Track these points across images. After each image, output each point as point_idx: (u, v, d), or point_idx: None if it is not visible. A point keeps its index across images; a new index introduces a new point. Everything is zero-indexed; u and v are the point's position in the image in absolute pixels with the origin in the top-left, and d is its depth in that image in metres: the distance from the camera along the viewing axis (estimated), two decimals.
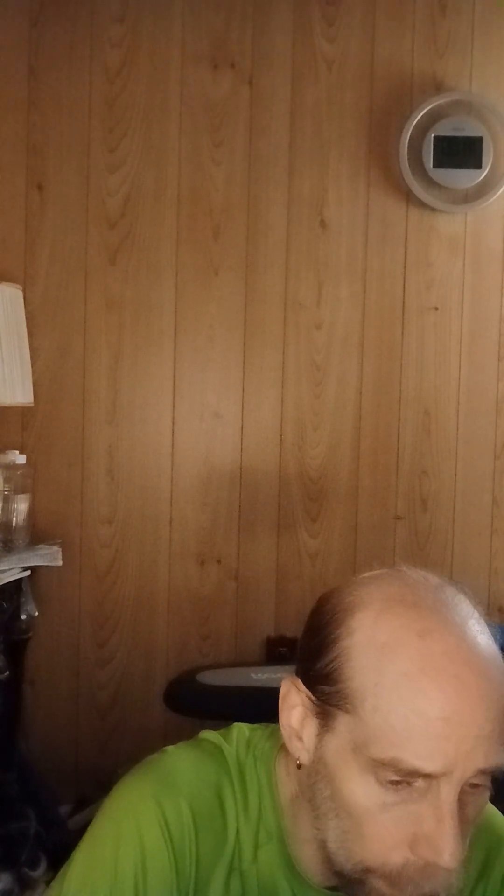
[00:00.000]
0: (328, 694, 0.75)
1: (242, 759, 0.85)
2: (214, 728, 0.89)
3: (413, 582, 0.77)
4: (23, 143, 2.24)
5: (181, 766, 0.83)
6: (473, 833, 0.84)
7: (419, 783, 0.70)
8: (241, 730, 0.88)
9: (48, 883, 1.83)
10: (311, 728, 0.77)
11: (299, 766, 0.79)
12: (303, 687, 0.78)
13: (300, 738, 0.78)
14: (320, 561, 2.30)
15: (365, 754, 0.71)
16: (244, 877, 0.81)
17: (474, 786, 0.72)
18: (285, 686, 0.80)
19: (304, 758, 0.78)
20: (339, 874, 0.75)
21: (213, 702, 2.09)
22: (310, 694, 0.77)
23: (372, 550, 2.27)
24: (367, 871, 0.72)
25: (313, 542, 2.31)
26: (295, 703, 0.79)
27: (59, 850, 1.90)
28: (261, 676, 2.08)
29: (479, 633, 0.73)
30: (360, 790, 0.72)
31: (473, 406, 2.31)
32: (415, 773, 0.69)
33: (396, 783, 0.70)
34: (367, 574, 0.79)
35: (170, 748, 0.86)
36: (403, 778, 0.70)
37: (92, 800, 2.13)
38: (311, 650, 0.78)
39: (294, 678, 0.80)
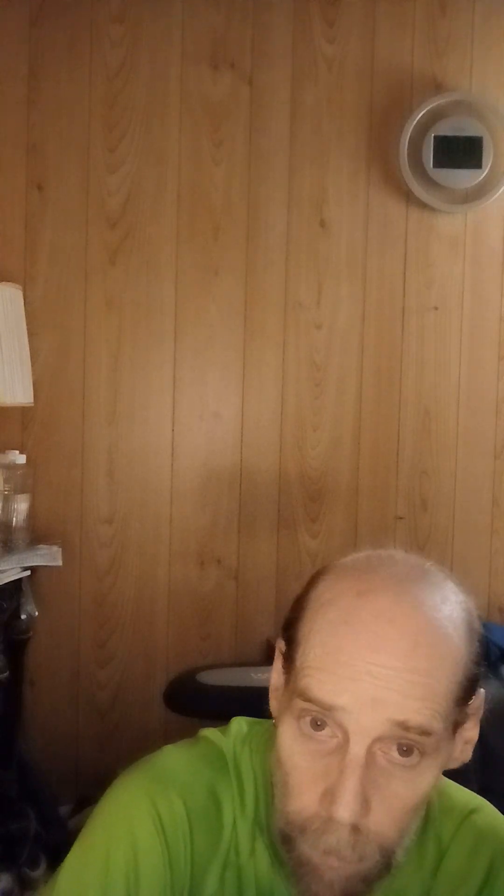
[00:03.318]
0: (287, 648, 0.79)
1: (239, 752, 0.85)
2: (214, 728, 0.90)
3: (386, 556, 0.80)
4: (23, 142, 2.24)
5: (175, 762, 0.83)
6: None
7: (338, 738, 0.71)
8: (239, 724, 0.89)
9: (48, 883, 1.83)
10: (282, 686, 0.80)
11: (276, 727, 0.81)
12: (282, 645, 0.81)
13: (276, 699, 0.81)
14: (320, 561, 2.30)
15: (292, 696, 0.74)
16: (241, 870, 0.81)
17: (400, 756, 0.71)
18: (277, 650, 0.83)
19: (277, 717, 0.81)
20: (282, 838, 0.76)
21: (213, 702, 2.09)
22: (283, 651, 0.81)
23: None
24: (289, 824, 0.74)
25: (313, 542, 2.31)
26: (279, 666, 0.82)
27: (59, 850, 1.90)
28: (261, 676, 2.08)
29: (431, 609, 0.74)
30: (288, 736, 0.75)
31: (473, 406, 2.31)
32: (317, 702, 0.71)
33: (314, 724, 0.72)
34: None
35: (166, 747, 0.86)
36: (315, 714, 0.72)
37: (92, 800, 2.12)
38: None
39: (279, 640, 0.83)
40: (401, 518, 2.31)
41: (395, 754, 0.71)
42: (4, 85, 2.23)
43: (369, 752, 0.71)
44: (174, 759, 0.84)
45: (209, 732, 0.88)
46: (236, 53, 2.25)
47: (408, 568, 0.78)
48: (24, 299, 2.17)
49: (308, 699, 0.72)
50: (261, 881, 0.81)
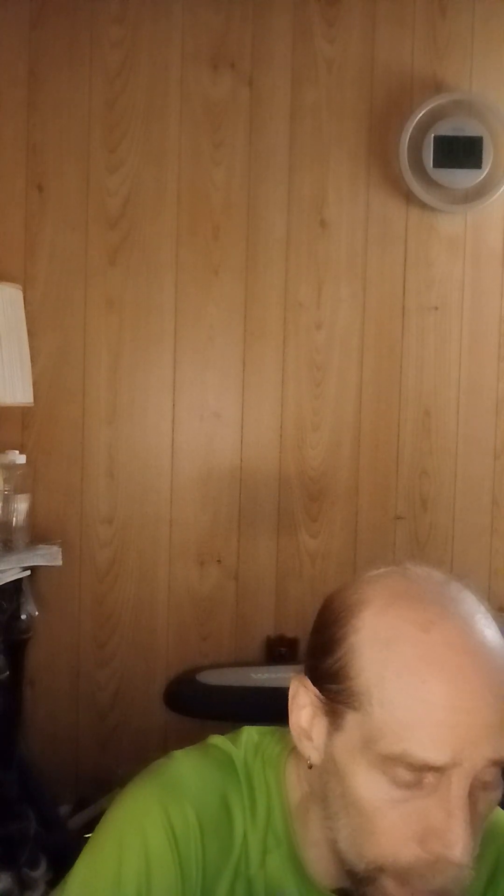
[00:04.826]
0: (336, 692, 0.75)
1: (250, 763, 0.84)
2: (215, 728, 0.89)
3: (417, 577, 0.77)
4: (23, 143, 2.24)
5: (187, 771, 0.82)
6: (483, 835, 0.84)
7: (429, 778, 0.70)
8: (249, 734, 0.88)
9: (48, 883, 1.83)
10: (320, 727, 0.77)
11: (310, 767, 0.79)
12: (311, 686, 0.78)
13: (310, 738, 0.78)
14: (320, 561, 2.30)
15: (374, 750, 0.71)
16: (251, 882, 0.80)
17: (485, 782, 0.71)
18: (294, 686, 0.80)
19: (315, 757, 0.78)
20: (351, 874, 0.75)
21: (213, 702, 2.09)
22: (318, 693, 0.77)
23: (372, 550, 2.27)
24: (379, 869, 0.72)
25: (313, 542, 2.31)
26: (304, 703, 0.79)
27: (58, 851, 1.90)
28: (261, 676, 2.08)
29: (485, 627, 0.73)
30: (369, 786, 0.72)
31: (473, 406, 2.31)
32: (425, 767, 0.69)
33: (407, 777, 0.70)
34: (372, 572, 0.79)
35: (177, 753, 0.85)
36: (414, 772, 0.69)
37: (92, 800, 2.12)
38: (318, 649, 0.78)
39: (302, 677, 0.79)
40: (401, 518, 2.31)
41: (485, 784, 0.71)
42: (5, 86, 2.23)
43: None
44: (186, 767, 0.83)
45: (219, 740, 0.87)
46: (236, 54, 2.25)
47: (445, 586, 0.76)
48: (24, 299, 2.17)
49: (415, 768, 0.69)
50: (271, 892, 0.81)
